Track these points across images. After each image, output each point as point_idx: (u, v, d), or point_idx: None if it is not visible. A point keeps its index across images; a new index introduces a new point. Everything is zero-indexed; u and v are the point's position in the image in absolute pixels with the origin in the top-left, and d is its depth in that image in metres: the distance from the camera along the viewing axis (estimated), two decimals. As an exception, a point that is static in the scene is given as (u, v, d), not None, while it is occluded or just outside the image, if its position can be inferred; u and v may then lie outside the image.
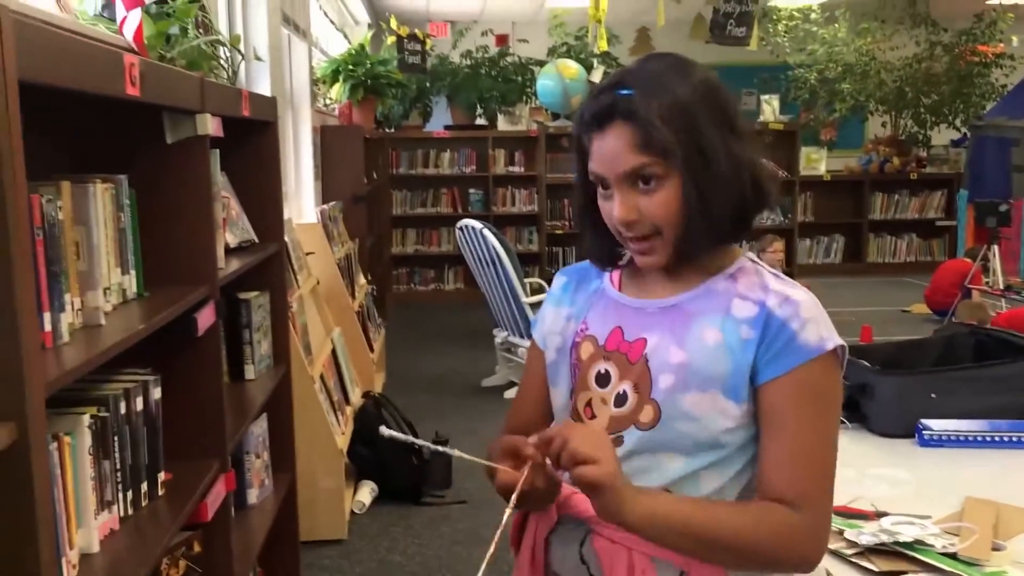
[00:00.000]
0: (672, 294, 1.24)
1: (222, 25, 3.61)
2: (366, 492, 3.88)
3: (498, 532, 1.10)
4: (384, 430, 1.25)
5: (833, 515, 1.61)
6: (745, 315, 1.18)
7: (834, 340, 1.17)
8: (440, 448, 1.24)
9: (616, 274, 1.32)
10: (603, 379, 1.24)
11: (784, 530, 1.13)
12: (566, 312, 1.33)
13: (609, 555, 1.19)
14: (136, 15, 2.00)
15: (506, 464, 1.15)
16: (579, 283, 1.35)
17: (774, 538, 1.13)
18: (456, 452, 1.22)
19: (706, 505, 1.15)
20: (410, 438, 1.24)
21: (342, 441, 3.63)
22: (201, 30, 2.34)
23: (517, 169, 8.84)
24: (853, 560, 1.49)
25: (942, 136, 10.18)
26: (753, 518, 1.13)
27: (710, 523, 1.12)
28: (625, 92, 1.16)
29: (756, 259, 1.27)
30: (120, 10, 2.01)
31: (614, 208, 1.18)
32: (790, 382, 1.15)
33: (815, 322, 1.16)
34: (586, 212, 1.27)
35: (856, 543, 1.51)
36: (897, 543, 1.50)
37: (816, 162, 9.55)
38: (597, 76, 8.10)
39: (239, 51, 2.57)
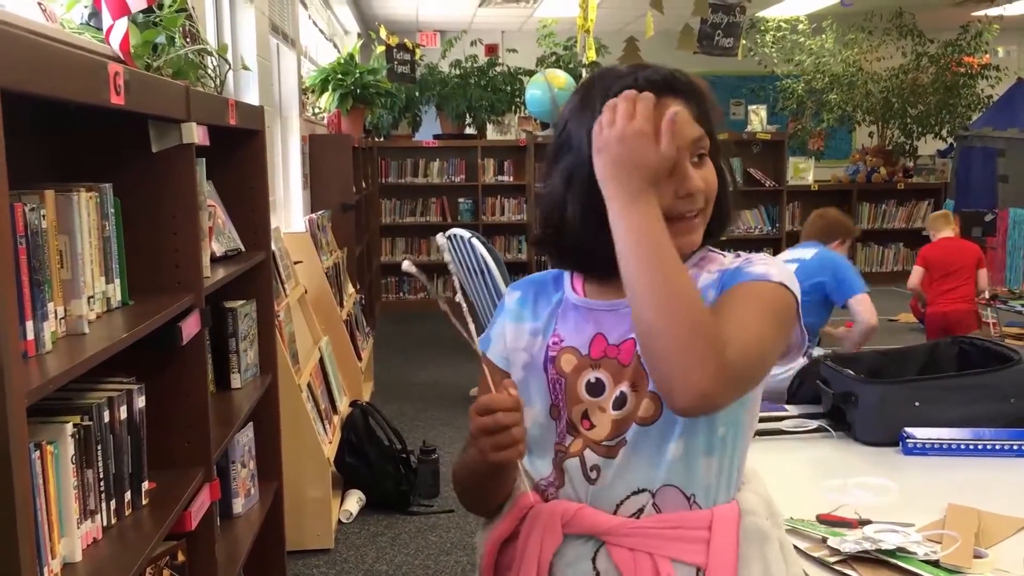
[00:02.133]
0: None
1: (210, 35, 3.62)
2: (353, 501, 3.87)
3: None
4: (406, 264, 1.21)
5: (817, 523, 1.63)
6: (710, 282, 1.21)
7: (782, 277, 1.16)
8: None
9: (578, 281, 1.29)
10: (595, 388, 1.21)
11: (702, 330, 1.05)
12: (530, 327, 1.29)
13: (632, 564, 1.17)
14: (123, 24, 2.00)
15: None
16: (537, 296, 1.31)
17: (692, 327, 1.05)
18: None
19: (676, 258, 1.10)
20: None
21: (329, 450, 3.63)
22: (188, 39, 2.34)
23: (506, 178, 8.86)
24: (836, 568, 1.50)
25: (928, 146, 10.24)
26: (693, 297, 1.08)
27: (672, 264, 1.08)
28: (678, 72, 1.19)
29: (715, 249, 1.28)
30: (107, 19, 2.01)
31: (686, 178, 1.16)
32: (737, 287, 1.16)
33: (765, 263, 1.19)
34: (584, 197, 1.17)
35: (839, 551, 1.52)
36: (880, 551, 1.50)
37: (804, 172, 9.59)
38: (586, 86, 8.12)
39: (226, 60, 2.57)
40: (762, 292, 1.16)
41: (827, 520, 1.66)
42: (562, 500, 1.23)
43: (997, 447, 2.02)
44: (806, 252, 4.16)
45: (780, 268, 1.19)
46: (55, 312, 1.33)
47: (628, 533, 1.17)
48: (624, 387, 1.19)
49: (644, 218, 1.09)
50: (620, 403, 1.20)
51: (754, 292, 1.16)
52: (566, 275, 1.31)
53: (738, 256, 1.24)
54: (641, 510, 1.19)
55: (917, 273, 5.71)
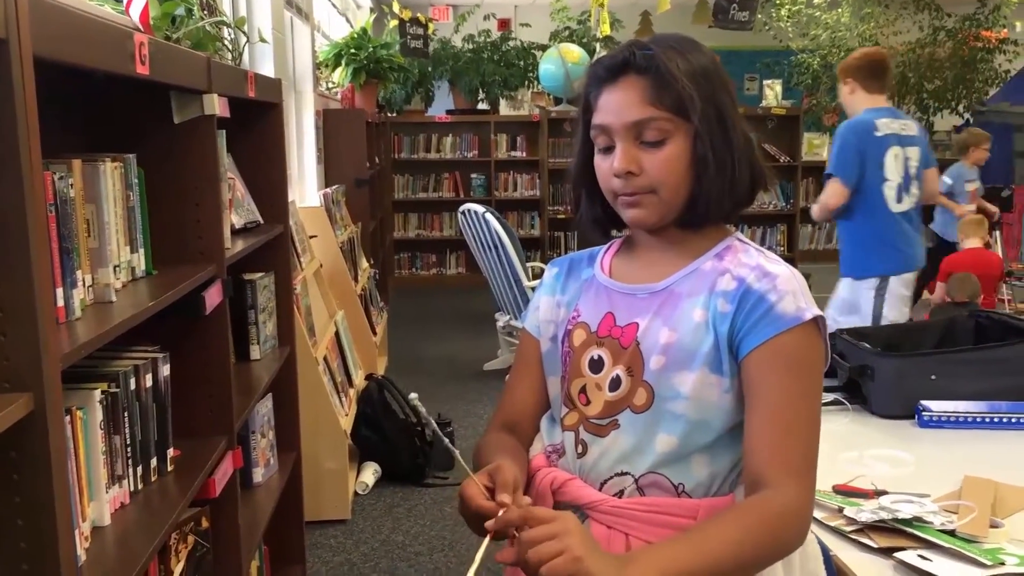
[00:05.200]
0: (662, 278, 1.24)
1: (226, 7, 3.61)
2: (369, 473, 3.91)
3: (479, 555, 1.05)
4: (412, 396, 1.26)
5: (834, 493, 1.64)
6: (725, 289, 1.19)
7: (812, 311, 1.17)
8: (446, 442, 1.24)
9: (607, 261, 1.33)
10: (596, 365, 1.25)
11: (774, 521, 1.10)
12: (558, 300, 1.34)
13: (606, 540, 1.19)
14: (143, -4, 2.01)
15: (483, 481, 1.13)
16: (570, 272, 1.36)
17: (769, 535, 1.09)
18: (457, 454, 1.22)
19: (695, 541, 1.08)
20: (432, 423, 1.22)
21: (346, 422, 3.66)
22: (206, 11, 2.34)
23: (519, 154, 8.84)
24: (853, 537, 1.51)
25: (945, 122, 10.14)
26: (742, 527, 1.08)
27: (709, 559, 1.06)
28: (644, 50, 1.18)
29: (744, 238, 1.28)
30: (127, -10, 2.01)
31: (615, 159, 1.19)
32: (769, 350, 1.15)
33: (793, 294, 1.17)
34: (582, 177, 1.28)
35: (856, 520, 1.53)
36: (896, 520, 1.52)
37: (819, 147, 9.52)
38: (599, 61, 8.08)
39: (244, 33, 2.57)
40: (800, 358, 1.15)
41: (844, 491, 1.67)
42: (559, 469, 1.27)
43: (1013, 420, 2.02)
44: None
45: (806, 293, 1.19)
46: (83, 280, 1.35)
47: (608, 511, 1.20)
48: (620, 369, 1.22)
49: None
50: (615, 385, 1.22)
51: (794, 366, 1.15)
52: (600, 253, 1.35)
53: (762, 253, 1.23)
54: (623, 492, 1.21)
55: (940, 289, 5.50)
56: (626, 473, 1.21)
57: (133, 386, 1.51)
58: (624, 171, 1.18)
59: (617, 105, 1.18)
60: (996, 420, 2.03)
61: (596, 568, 1.00)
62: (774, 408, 1.14)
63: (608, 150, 1.21)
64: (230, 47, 2.48)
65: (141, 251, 1.63)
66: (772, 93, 7.83)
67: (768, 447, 1.13)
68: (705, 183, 1.19)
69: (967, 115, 9.61)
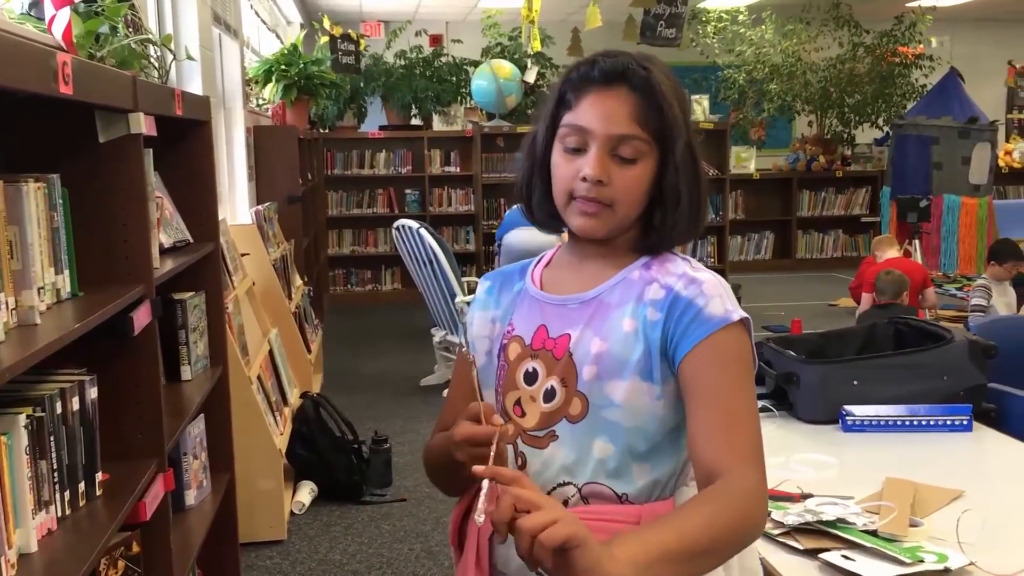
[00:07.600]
0: (591, 287, 1.27)
1: (152, 24, 3.57)
2: (305, 492, 3.87)
3: (482, 495, 1.05)
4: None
5: (761, 496, 1.69)
6: (654, 298, 1.22)
7: (739, 313, 1.20)
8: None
9: (538, 274, 1.34)
10: (530, 377, 1.26)
11: (739, 503, 1.11)
12: (491, 315, 1.35)
13: None
14: (65, 14, 1.97)
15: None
16: (502, 286, 1.37)
17: (737, 516, 1.10)
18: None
19: (671, 524, 1.09)
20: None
21: (280, 441, 3.62)
22: (131, 29, 2.31)
23: (453, 169, 8.85)
24: (779, 539, 1.55)
25: (865, 135, 10.47)
26: (712, 510, 1.09)
27: (686, 539, 1.06)
28: (640, 66, 1.20)
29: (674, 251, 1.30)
30: (48, 9, 1.98)
31: (588, 164, 1.19)
32: (704, 350, 1.18)
33: (720, 297, 1.20)
34: (538, 170, 1.27)
35: (782, 523, 1.58)
36: (821, 522, 1.57)
37: (746, 161, 9.76)
38: (531, 76, 8.17)
39: (170, 50, 2.54)
40: (733, 354, 1.18)
41: (771, 495, 1.71)
42: None
43: (931, 423, 2.10)
44: None
45: (730, 294, 1.22)
46: (6, 303, 1.33)
47: None
48: (554, 380, 1.24)
49: (628, 564, 1.01)
50: (549, 396, 1.24)
51: (730, 361, 1.18)
52: (531, 265, 1.36)
53: (688, 262, 1.26)
54: (567, 501, 1.23)
55: (867, 300, 5.70)
56: (569, 483, 1.23)
57: (59, 410, 1.48)
58: (596, 179, 1.18)
59: (606, 112, 1.19)
60: (915, 423, 2.10)
61: (587, 536, 1.00)
62: (718, 400, 1.17)
63: (577, 151, 1.21)
64: (156, 65, 2.45)
65: (66, 272, 1.61)
66: (700, 108, 7.99)
67: (719, 437, 1.15)
68: (671, 211, 1.22)
69: (886, 128, 9.92)
